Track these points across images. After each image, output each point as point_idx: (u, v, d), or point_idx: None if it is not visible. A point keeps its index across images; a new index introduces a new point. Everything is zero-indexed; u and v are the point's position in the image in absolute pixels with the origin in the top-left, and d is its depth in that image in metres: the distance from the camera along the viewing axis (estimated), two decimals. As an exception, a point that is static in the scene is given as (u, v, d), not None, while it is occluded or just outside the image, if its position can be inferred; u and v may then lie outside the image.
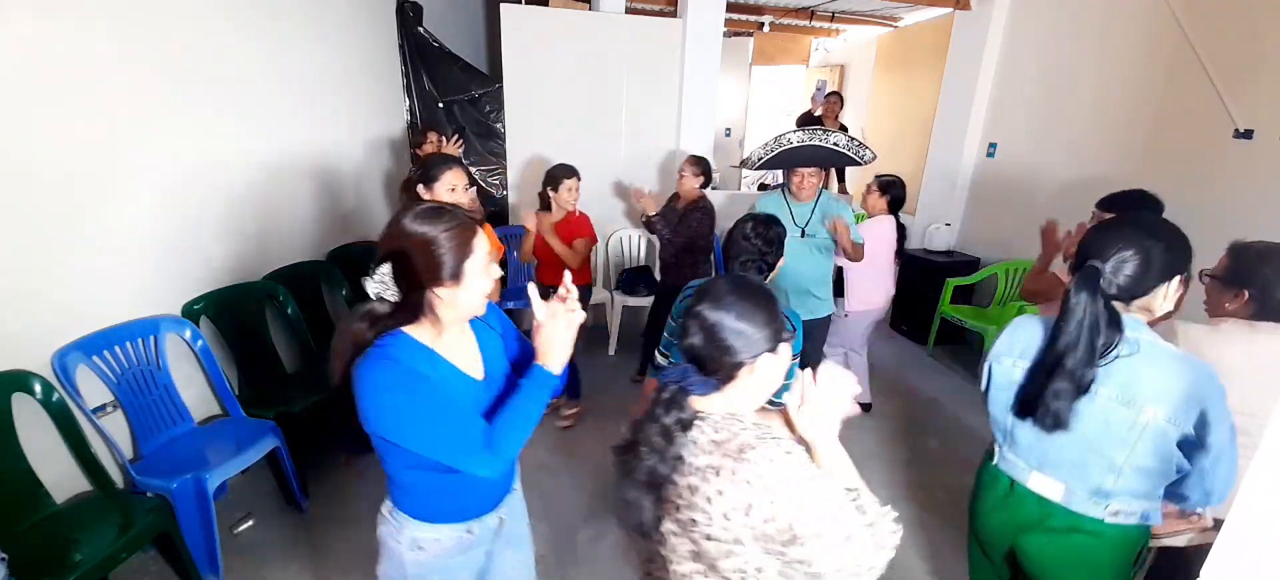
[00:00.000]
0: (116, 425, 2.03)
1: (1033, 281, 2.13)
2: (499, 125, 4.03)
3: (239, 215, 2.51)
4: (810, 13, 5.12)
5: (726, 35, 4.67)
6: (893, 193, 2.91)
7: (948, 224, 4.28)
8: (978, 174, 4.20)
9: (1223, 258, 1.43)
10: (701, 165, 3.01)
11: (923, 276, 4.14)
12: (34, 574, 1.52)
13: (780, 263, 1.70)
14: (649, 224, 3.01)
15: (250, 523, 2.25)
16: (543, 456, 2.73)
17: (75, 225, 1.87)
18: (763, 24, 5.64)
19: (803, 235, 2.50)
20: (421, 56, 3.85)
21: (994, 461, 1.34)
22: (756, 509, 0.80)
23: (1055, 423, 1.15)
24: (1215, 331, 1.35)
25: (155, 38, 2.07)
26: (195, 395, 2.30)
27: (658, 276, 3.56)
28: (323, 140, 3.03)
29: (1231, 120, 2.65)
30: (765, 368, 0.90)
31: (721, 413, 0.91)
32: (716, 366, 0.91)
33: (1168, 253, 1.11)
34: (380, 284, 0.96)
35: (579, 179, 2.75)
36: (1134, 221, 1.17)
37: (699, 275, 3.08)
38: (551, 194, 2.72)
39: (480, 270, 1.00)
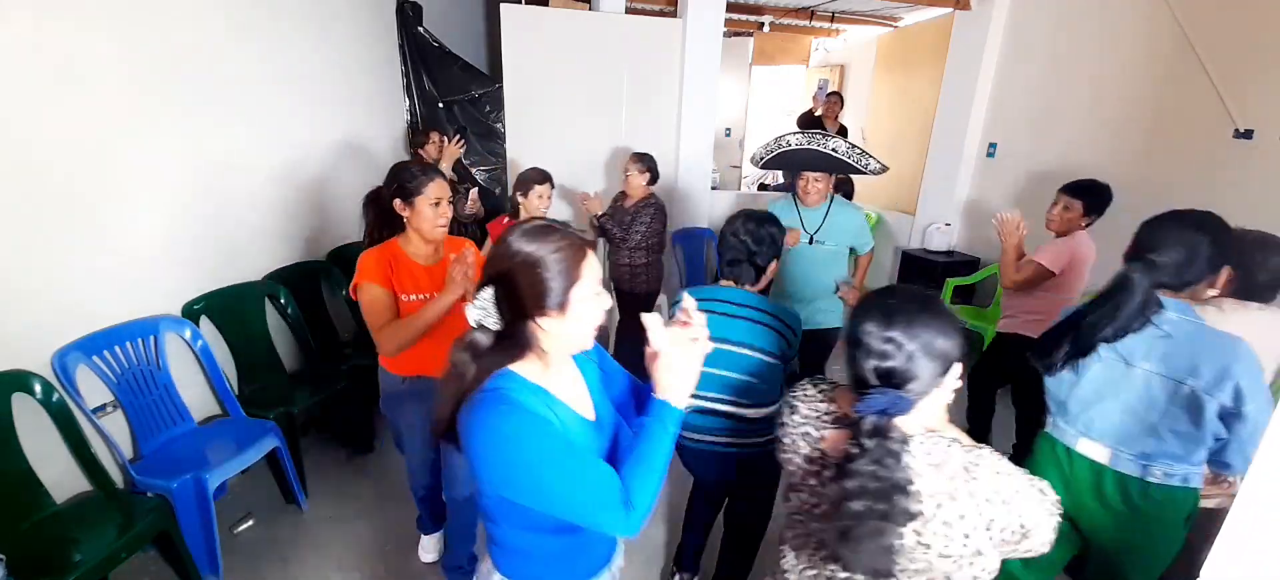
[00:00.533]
0: (116, 425, 2.03)
1: (1017, 271, 2.26)
2: (499, 125, 4.03)
3: (239, 215, 2.50)
4: (810, 13, 5.11)
5: (726, 35, 4.66)
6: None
7: (948, 224, 4.28)
8: (978, 174, 4.20)
9: None
10: (648, 162, 2.93)
11: (923, 276, 4.14)
12: (34, 574, 1.52)
13: (775, 264, 1.65)
14: (600, 227, 2.91)
15: (250, 523, 2.25)
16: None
17: (75, 225, 1.87)
18: (763, 24, 5.64)
19: (811, 242, 2.42)
20: (421, 56, 3.85)
21: (1047, 429, 1.47)
22: (997, 522, 0.86)
23: (1047, 368, 1.37)
24: (1220, 310, 1.51)
25: (155, 38, 2.07)
26: (195, 395, 2.30)
27: (611, 283, 3.25)
28: (323, 140, 3.03)
29: (1231, 120, 2.65)
30: (954, 375, 0.91)
31: (918, 430, 0.91)
32: (918, 385, 0.88)
33: (1214, 246, 1.26)
34: (481, 311, 0.87)
35: (552, 185, 2.62)
36: (1185, 217, 1.31)
37: (653, 277, 3.04)
38: (521, 200, 2.57)
39: (589, 298, 0.88)
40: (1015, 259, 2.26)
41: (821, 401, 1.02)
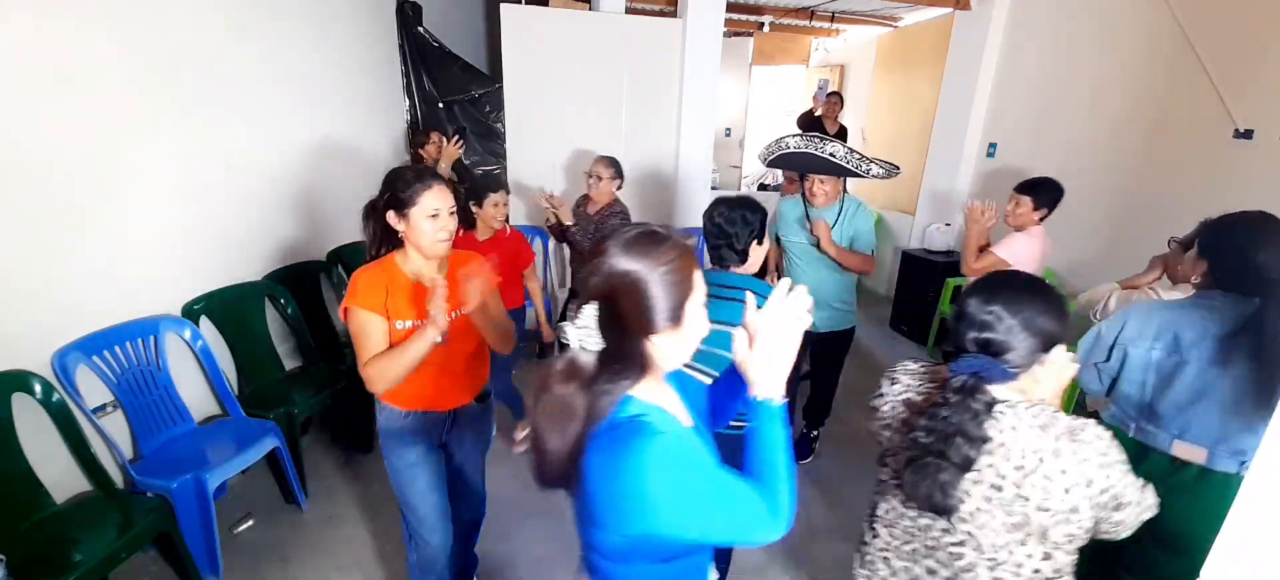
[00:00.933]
0: (116, 425, 2.03)
1: (975, 261, 2.34)
2: (499, 125, 4.03)
3: (239, 215, 2.50)
4: (810, 13, 5.11)
5: (726, 35, 4.66)
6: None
7: (948, 224, 4.28)
8: (978, 174, 4.20)
9: (1191, 231, 1.63)
10: (617, 166, 2.77)
11: (923, 276, 4.14)
12: (34, 574, 1.52)
13: (760, 246, 1.62)
14: (565, 235, 2.71)
15: (250, 523, 2.25)
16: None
17: (75, 225, 1.87)
18: (763, 24, 5.64)
19: (819, 247, 2.39)
20: (421, 56, 3.85)
21: (1130, 434, 1.48)
22: (1096, 482, 0.93)
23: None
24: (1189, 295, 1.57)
25: (155, 38, 2.07)
26: (195, 395, 2.30)
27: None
28: (323, 140, 3.03)
29: (1231, 120, 2.65)
30: (1057, 357, 0.98)
31: (1021, 400, 0.99)
32: (1015, 357, 0.96)
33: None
34: (583, 331, 0.80)
35: (508, 194, 2.47)
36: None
37: None
38: (476, 211, 2.38)
39: (700, 307, 0.84)
40: (976, 249, 2.35)
41: (924, 374, 1.13)
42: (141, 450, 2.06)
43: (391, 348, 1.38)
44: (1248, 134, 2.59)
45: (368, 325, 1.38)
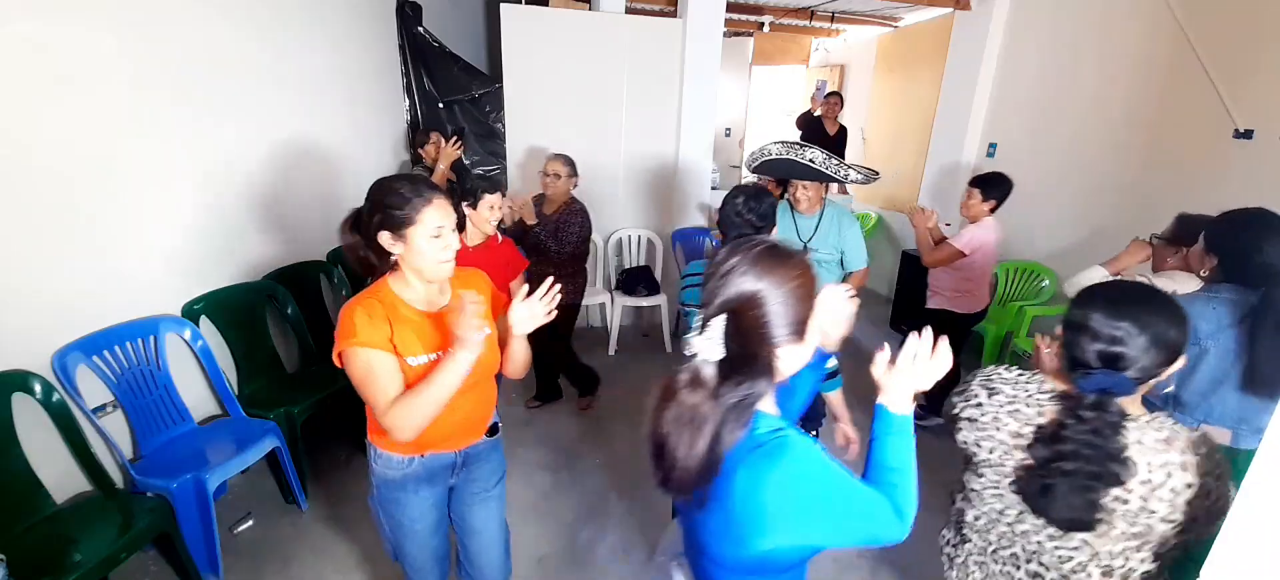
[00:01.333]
0: (116, 425, 2.03)
1: (934, 252, 2.68)
2: (499, 125, 4.03)
3: (239, 215, 2.50)
4: (810, 13, 5.11)
5: (726, 35, 4.66)
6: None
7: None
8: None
9: (1169, 225, 1.88)
10: (571, 164, 2.67)
11: (923, 276, 4.13)
12: (34, 574, 1.52)
13: (773, 234, 1.70)
14: (526, 237, 2.63)
15: (250, 523, 2.25)
16: (543, 456, 2.73)
17: (76, 225, 1.87)
18: (763, 24, 5.64)
19: (805, 250, 2.40)
20: (421, 56, 3.85)
21: None
22: (1213, 493, 0.95)
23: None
24: (1171, 277, 1.77)
25: (155, 38, 2.07)
26: (195, 395, 2.30)
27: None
28: (323, 140, 3.03)
29: (1231, 120, 2.65)
30: (1178, 364, 0.99)
31: (1141, 412, 1.01)
32: (1141, 371, 0.96)
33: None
34: (710, 343, 0.81)
35: (504, 195, 2.32)
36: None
37: (579, 287, 2.85)
38: (469, 212, 2.20)
39: (816, 321, 0.87)
40: (930, 243, 2.67)
41: (1029, 383, 1.10)
42: (141, 450, 2.06)
43: (413, 387, 1.19)
44: (1248, 134, 2.59)
45: (376, 366, 1.17)
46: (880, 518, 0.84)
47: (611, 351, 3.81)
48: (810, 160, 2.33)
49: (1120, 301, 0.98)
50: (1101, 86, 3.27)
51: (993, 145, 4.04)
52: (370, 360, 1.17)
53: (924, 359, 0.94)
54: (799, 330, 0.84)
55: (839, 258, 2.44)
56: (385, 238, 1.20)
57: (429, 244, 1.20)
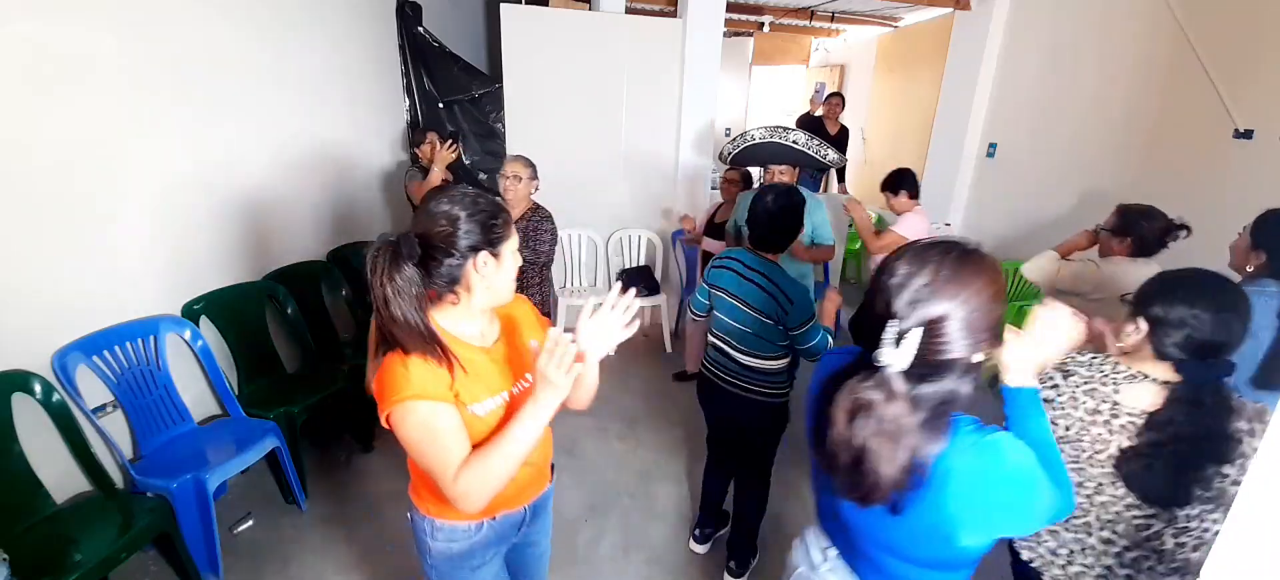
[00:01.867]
0: (116, 425, 2.03)
1: (879, 240, 2.68)
2: (499, 125, 4.03)
3: (239, 215, 2.50)
4: (810, 13, 5.11)
5: (726, 35, 4.67)
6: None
7: (948, 224, 4.28)
8: (978, 174, 4.20)
9: (1111, 216, 1.97)
10: (533, 167, 2.48)
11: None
12: (34, 574, 1.52)
13: (801, 232, 1.83)
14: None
15: (250, 523, 2.25)
16: (543, 456, 2.73)
17: (75, 224, 1.87)
18: (763, 24, 5.64)
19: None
20: (421, 56, 3.85)
21: None
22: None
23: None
24: (1115, 263, 1.88)
25: (155, 37, 2.07)
26: (195, 395, 2.30)
27: None
28: (322, 140, 3.03)
29: (1231, 120, 2.65)
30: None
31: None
32: (1220, 357, 1.05)
33: None
34: (903, 355, 0.79)
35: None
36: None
37: (546, 294, 2.71)
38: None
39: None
40: (873, 232, 2.73)
41: (1103, 364, 1.18)
42: (141, 450, 2.06)
43: (482, 445, 0.97)
44: (1248, 134, 2.59)
45: (440, 423, 0.95)
46: (1060, 498, 0.89)
47: (612, 351, 3.80)
48: (794, 142, 2.47)
49: (1219, 296, 1.06)
50: (1101, 86, 3.27)
51: (993, 145, 4.04)
52: (432, 417, 0.94)
53: (1055, 327, 0.96)
54: (996, 334, 0.84)
55: (809, 240, 2.55)
56: (481, 260, 1.00)
57: (515, 258, 1.06)
